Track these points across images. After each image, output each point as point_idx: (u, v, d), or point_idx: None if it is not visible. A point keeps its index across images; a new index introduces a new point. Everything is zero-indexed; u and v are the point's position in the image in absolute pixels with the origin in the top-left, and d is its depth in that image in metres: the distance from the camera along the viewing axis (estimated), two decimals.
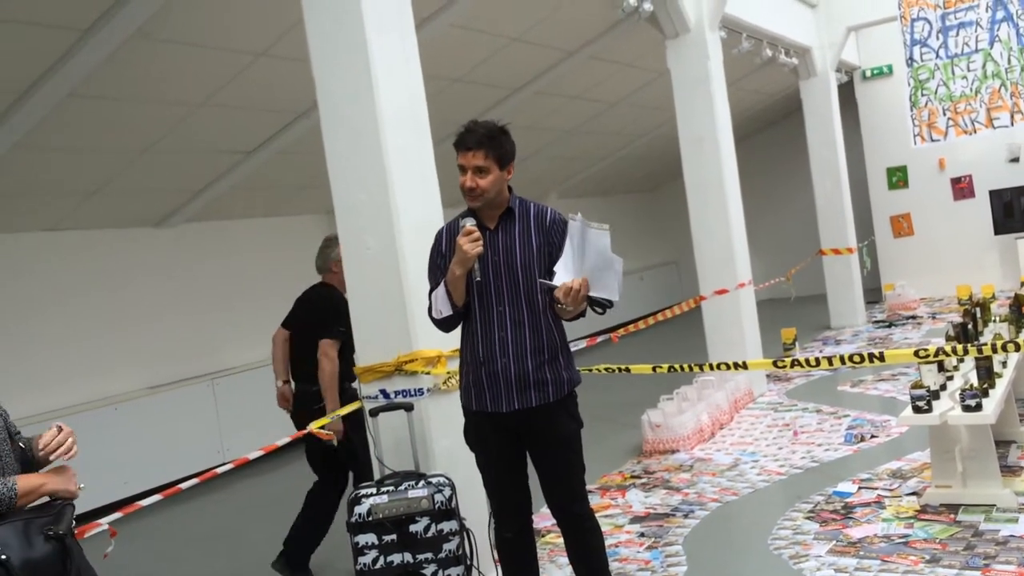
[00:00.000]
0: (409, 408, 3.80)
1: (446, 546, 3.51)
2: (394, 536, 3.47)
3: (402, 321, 3.87)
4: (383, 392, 3.94)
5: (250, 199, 7.76)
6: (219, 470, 3.97)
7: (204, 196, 7.17)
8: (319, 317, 4.51)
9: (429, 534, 3.49)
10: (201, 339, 7.48)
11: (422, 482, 3.57)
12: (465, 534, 3.60)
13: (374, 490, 3.56)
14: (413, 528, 3.49)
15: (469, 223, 3.02)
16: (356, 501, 3.53)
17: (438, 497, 3.52)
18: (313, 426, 4.07)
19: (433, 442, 3.88)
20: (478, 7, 6.19)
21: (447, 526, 3.52)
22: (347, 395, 4.45)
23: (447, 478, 3.62)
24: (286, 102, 6.32)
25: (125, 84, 5.30)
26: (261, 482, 6.81)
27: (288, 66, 5.57)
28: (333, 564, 4.50)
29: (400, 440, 3.86)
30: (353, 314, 4.03)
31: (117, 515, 3.43)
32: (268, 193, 7.86)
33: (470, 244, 2.96)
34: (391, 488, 3.55)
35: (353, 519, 3.51)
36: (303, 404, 4.53)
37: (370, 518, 3.48)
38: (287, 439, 4.25)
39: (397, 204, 3.85)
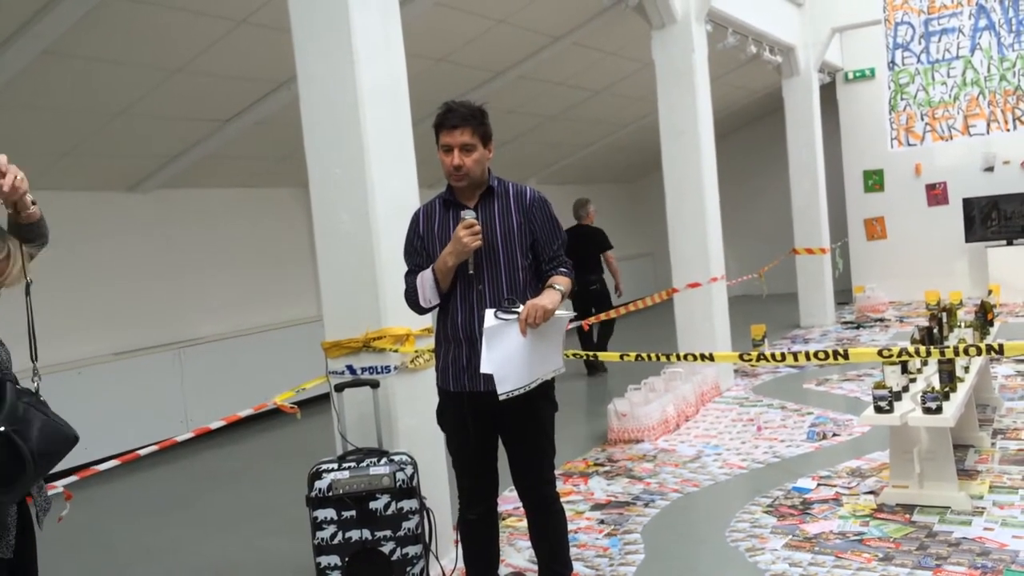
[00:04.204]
0: (375, 385, 3.78)
1: (405, 524, 3.50)
2: (354, 512, 3.46)
3: (372, 297, 3.85)
4: (350, 368, 3.92)
5: (226, 168, 7.67)
6: (179, 438, 3.94)
7: (179, 162, 7.08)
8: (597, 240, 8.37)
9: (389, 512, 3.49)
10: (170, 307, 7.41)
11: (384, 460, 3.56)
12: (425, 513, 3.59)
13: (335, 465, 3.54)
14: (373, 505, 3.48)
15: (469, 215, 2.99)
16: (317, 476, 3.51)
17: (400, 475, 3.51)
18: (278, 399, 4.05)
19: (397, 420, 3.87)
20: None
21: (407, 505, 3.51)
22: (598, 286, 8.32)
23: (410, 456, 3.62)
24: (266, 71, 6.25)
25: (101, 45, 5.20)
26: (224, 454, 6.78)
27: (269, 35, 5.50)
28: (291, 539, 4.48)
29: (364, 416, 3.85)
30: (323, 288, 4.01)
31: (73, 478, 3.39)
32: (245, 163, 7.78)
33: (470, 237, 2.94)
34: (353, 464, 3.54)
35: (313, 494, 3.49)
36: (584, 289, 8.13)
37: (330, 493, 3.47)
38: (250, 410, 4.22)
39: (373, 180, 3.82)
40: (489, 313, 2.88)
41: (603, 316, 7.75)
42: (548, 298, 2.94)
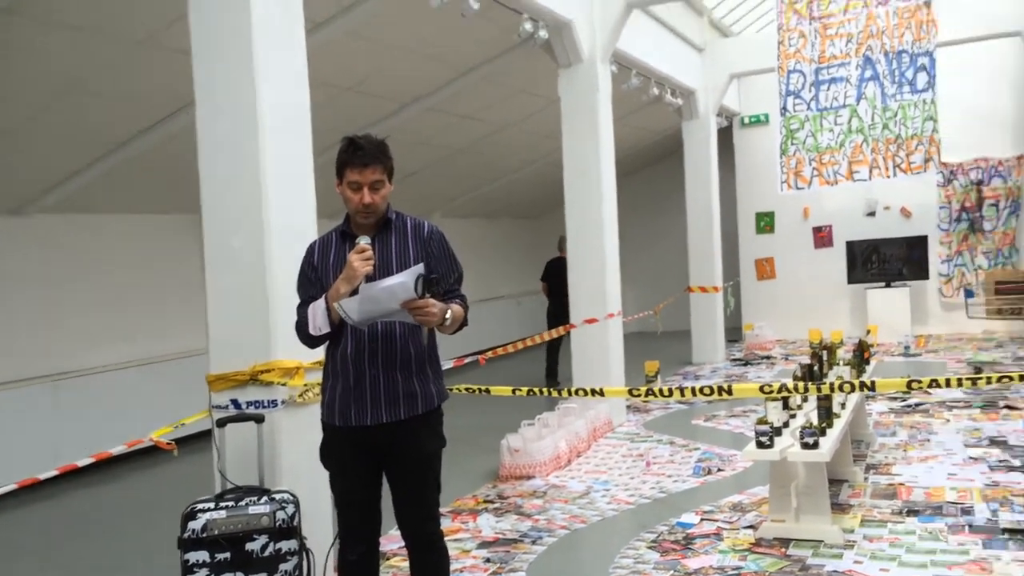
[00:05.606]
0: (260, 420, 3.68)
1: (283, 566, 3.40)
2: (228, 554, 3.34)
3: (263, 329, 3.77)
4: (234, 402, 3.82)
5: (113, 194, 7.37)
6: (41, 477, 3.71)
7: (66, 187, 6.77)
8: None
9: (266, 553, 3.38)
10: (46, 337, 6.99)
11: (265, 498, 3.46)
12: (304, 554, 3.50)
13: (212, 504, 3.42)
14: (250, 546, 3.37)
15: (364, 241, 2.97)
16: (191, 516, 3.38)
17: (280, 515, 3.41)
18: (155, 435, 3.90)
19: (281, 456, 3.77)
20: (374, 16, 6.12)
21: (286, 545, 3.41)
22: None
23: (292, 495, 3.53)
24: (164, 95, 6.06)
25: None
26: (96, 493, 6.41)
27: (170, 57, 5.35)
28: None
29: (247, 453, 3.74)
30: (211, 318, 3.90)
31: None
32: (133, 189, 7.48)
33: (361, 262, 2.90)
34: (231, 503, 3.43)
35: (186, 535, 3.36)
36: (557, 309, 9.28)
37: (204, 534, 3.34)
38: (123, 447, 4.04)
39: (269, 208, 3.77)
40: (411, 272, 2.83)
41: (554, 333, 8.24)
42: (440, 307, 2.92)
